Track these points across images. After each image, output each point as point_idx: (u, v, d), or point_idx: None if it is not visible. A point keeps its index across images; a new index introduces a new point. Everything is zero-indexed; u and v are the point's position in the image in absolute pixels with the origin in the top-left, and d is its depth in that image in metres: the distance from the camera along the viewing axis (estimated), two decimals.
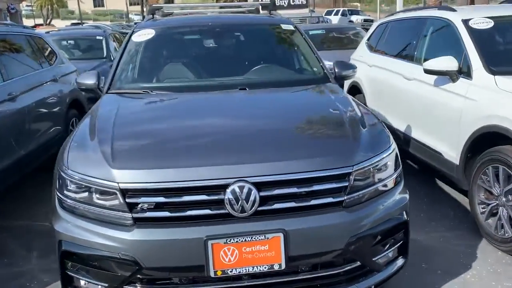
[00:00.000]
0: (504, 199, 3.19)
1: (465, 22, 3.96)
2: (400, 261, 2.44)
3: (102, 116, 2.75)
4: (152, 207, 2.11)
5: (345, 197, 2.19)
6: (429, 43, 4.51)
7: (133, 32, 3.69)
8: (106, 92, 3.20)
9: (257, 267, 2.09)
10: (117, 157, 2.23)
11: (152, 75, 3.46)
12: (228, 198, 2.08)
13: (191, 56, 3.69)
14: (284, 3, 28.18)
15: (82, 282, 2.27)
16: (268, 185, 2.12)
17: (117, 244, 2.09)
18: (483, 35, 3.84)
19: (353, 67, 3.66)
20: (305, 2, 28.52)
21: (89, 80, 3.38)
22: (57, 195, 2.32)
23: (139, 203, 2.11)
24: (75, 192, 2.24)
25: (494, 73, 3.46)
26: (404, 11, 5.99)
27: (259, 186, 2.10)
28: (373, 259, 2.29)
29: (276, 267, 2.10)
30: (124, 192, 2.11)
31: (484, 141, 3.37)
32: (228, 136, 2.44)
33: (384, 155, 2.36)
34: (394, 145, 2.50)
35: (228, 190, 2.08)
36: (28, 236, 3.65)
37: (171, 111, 2.94)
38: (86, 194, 2.21)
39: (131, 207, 2.11)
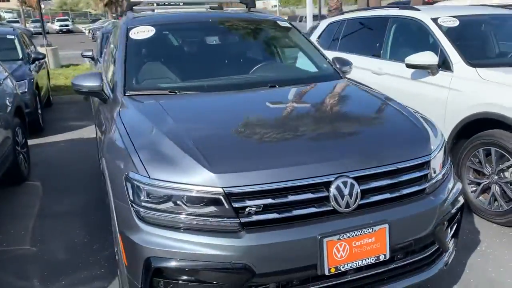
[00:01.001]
0: (496, 177, 3.59)
1: (435, 20, 4.35)
2: (455, 241, 2.64)
3: (155, 118, 2.54)
4: (260, 209, 2.02)
5: (427, 185, 2.31)
6: (395, 40, 4.86)
7: (127, 29, 3.41)
8: (125, 95, 2.92)
9: (365, 259, 2.11)
10: (214, 161, 2.07)
11: (166, 75, 3.23)
12: (334, 194, 2.07)
13: (200, 54, 3.54)
14: None
15: None
16: (366, 179, 2.15)
17: (227, 252, 1.96)
18: (454, 32, 4.27)
19: (349, 63, 3.80)
20: None
21: (92, 82, 3.05)
22: (134, 207, 2.09)
23: (246, 207, 2.00)
24: (161, 202, 2.04)
25: (474, 65, 3.87)
26: (358, 10, 6.35)
27: (359, 180, 2.13)
28: (446, 240, 2.45)
29: (381, 258, 2.14)
30: (229, 197, 1.98)
31: (471, 127, 3.76)
32: (313, 133, 2.41)
33: (444, 141, 2.54)
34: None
35: (333, 186, 2.07)
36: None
37: (231, 111, 2.80)
38: (176, 202, 2.02)
39: (237, 211, 2.00)
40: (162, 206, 2.05)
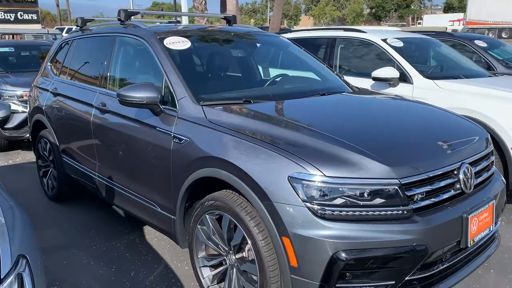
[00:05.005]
0: None
1: (384, 40, 5.13)
2: None
3: (270, 120, 2.60)
4: (423, 196, 2.28)
5: (492, 168, 2.87)
6: (343, 58, 5.52)
7: (160, 39, 3.26)
8: (203, 105, 2.82)
9: (483, 232, 2.53)
10: (383, 155, 2.25)
11: (220, 84, 3.20)
12: (462, 178, 2.45)
13: (235, 65, 3.55)
14: (11, 17, 25.15)
15: None
16: (474, 163, 2.60)
17: (409, 236, 2.15)
18: (402, 50, 5.09)
19: None
20: (36, 18, 26.24)
21: (149, 93, 2.86)
22: (308, 206, 2.14)
23: (415, 195, 2.24)
24: (335, 198, 2.15)
25: (431, 78, 4.71)
26: (302, 31, 6.82)
27: (472, 165, 2.56)
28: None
29: (491, 229, 2.59)
30: (403, 186, 2.20)
31: None
32: (418, 128, 2.74)
33: None
34: None
35: (461, 171, 2.45)
36: None
37: (338, 113, 2.99)
38: (352, 196, 2.15)
39: (409, 199, 2.22)
40: (338, 201, 2.15)
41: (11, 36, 16.35)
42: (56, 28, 28.41)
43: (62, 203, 4.49)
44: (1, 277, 1.39)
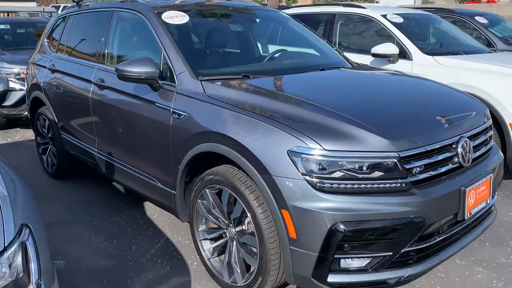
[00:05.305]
0: None
1: (384, 16, 5.09)
2: None
3: (269, 95, 2.59)
4: (422, 169, 2.30)
5: (491, 142, 2.88)
6: (342, 34, 5.49)
7: (158, 14, 3.23)
8: (202, 80, 2.81)
9: (480, 204, 2.56)
10: (383, 128, 2.25)
11: (219, 59, 3.18)
12: (460, 152, 2.47)
13: (235, 41, 3.52)
14: None
15: (350, 262, 2.22)
16: (473, 137, 2.61)
17: (407, 208, 2.17)
18: (402, 26, 5.05)
19: None
20: None
21: (148, 68, 2.85)
22: (308, 179, 2.16)
23: (413, 168, 2.26)
24: (334, 171, 2.16)
25: (431, 54, 4.69)
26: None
27: (470, 138, 2.57)
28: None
29: (488, 202, 2.62)
30: (403, 159, 2.21)
31: None
32: (422, 103, 2.74)
33: None
34: None
35: (459, 145, 2.47)
36: None
37: (339, 87, 2.97)
38: (351, 169, 2.17)
39: (407, 172, 2.24)
40: (337, 175, 2.17)
41: (6, 14, 16.16)
42: (52, 6, 27.98)
43: (62, 180, 4.51)
44: (5, 245, 1.41)
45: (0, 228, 1.46)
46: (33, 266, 1.47)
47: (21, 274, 1.42)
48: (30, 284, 1.43)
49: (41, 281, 1.47)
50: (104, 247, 3.21)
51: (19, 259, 1.42)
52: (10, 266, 1.39)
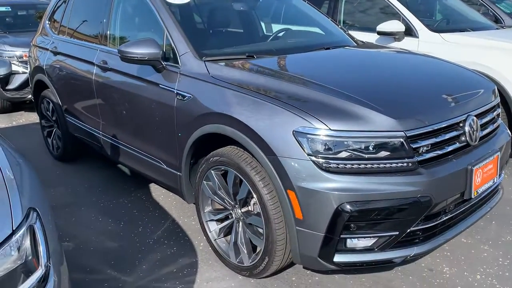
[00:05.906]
0: None
1: None
2: None
3: (274, 75, 2.57)
4: (428, 148, 2.28)
5: (498, 120, 2.85)
6: (347, 12, 5.40)
7: None
8: (205, 61, 2.78)
9: (487, 183, 2.55)
10: (388, 108, 2.23)
11: (223, 40, 3.14)
12: (468, 130, 2.44)
13: (238, 20, 3.48)
14: None
15: (357, 241, 2.23)
16: (481, 115, 2.58)
17: (414, 187, 2.17)
18: (408, 3, 4.96)
19: None
20: None
21: (151, 49, 2.81)
22: (314, 159, 2.15)
23: (420, 147, 2.24)
24: (340, 151, 2.15)
25: (437, 31, 4.61)
26: None
27: (477, 117, 2.54)
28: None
29: (495, 180, 2.61)
30: (409, 139, 2.20)
31: None
32: (424, 81, 2.70)
33: None
34: None
35: (467, 124, 2.44)
36: None
37: (343, 66, 2.93)
38: (358, 149, 2.15)
39: (414, 151, 2.22)
40: (343, 155, 2.16)
41: None
42: None
43: (68, 162, 4.53)
44: (13, 229, 1.41)
45: (8, 212, 1.46)
46: (41, 248, 1.47)
47: (30, 257, 1.42)
48: (39, 266, 1.44)
49: (50, 263, 1.48)
50: (111, 229, 3.24)
51: (27, 242, 1.43)
52: (19, 249, 1.40)
